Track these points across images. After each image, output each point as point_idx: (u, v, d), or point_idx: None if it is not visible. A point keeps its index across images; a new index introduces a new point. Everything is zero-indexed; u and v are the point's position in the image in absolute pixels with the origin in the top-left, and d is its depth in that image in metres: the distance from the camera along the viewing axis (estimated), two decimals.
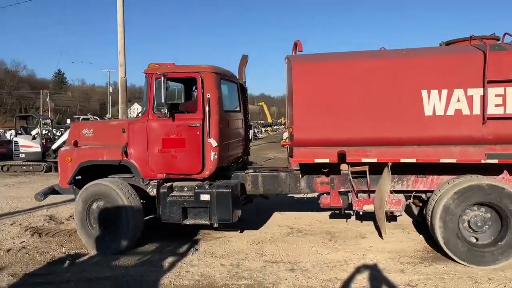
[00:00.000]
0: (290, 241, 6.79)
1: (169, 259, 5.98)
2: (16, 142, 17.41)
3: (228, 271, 5.52)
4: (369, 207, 6.29)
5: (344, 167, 6.23)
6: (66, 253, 6.34)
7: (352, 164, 6.10)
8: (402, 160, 5.83)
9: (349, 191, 6.45)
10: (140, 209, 6.49)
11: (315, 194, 7.02)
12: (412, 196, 6.45)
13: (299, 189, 6.68)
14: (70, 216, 8.67)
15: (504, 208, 5.52)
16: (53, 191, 7.21)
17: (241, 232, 7.35)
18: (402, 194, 6.30)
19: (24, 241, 7.00)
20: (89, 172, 6.86)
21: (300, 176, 6.60)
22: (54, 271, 5.58)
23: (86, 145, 6.99)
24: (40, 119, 18.72)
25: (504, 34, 6.02)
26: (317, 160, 6.08)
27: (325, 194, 6.56)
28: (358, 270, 5.46)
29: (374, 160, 5.91)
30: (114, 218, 6.40)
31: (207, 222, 6.32)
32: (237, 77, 7.73)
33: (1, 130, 36.58)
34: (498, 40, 6.08)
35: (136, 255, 6.20)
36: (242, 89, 7.81)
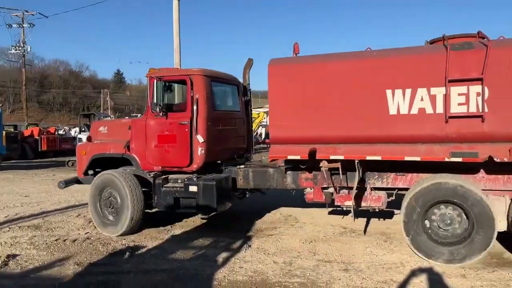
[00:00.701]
0: (344, 241, 6.69)
1: (223, 254, 6.10)
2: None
3: (281, 268, 5.54)
4: (349, 203, 6.36)
5: (324, 164, 6.32)
6: (126, 245, 6.64)
7: (328, 161, 6.24)
8: (368, 158, 5.96)
9: (330, 187, 6.62)
10: (140, 197, 7.17)
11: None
12: (394, 194, 6.45)
13: (285, 184, 6.97)
14: None
15: (468, 208, 5.49)
16: (76, 181, 8.16)
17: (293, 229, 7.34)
18: (384, 191, 6.37)
19: (88, 232, 7.42)
20: (107, 164, 7.75)
21: (286, 172, 6.90)
22: (115, 262, 5.86)
23: (100, 140, 7.92)
24: (102, 117, 19.73)
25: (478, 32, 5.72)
26: (290, 157, 6.39)
27: (309, 189, 6.82)
28: (415, 273, 5.28)
29: (342, 157, 6.10)
30: (119, 203, 7.17)
31: (194, 211, 7.11)
32: (242, 80, 8.25)
33: (66, 128, 38.99)
34: (484, 38, 5.77)
35: (192, 249, 6.38)
36: (244, 91, 8.28)
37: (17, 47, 39.34)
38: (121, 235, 7.10)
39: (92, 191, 7.46)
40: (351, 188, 6.34)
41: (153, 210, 7.93)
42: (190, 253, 6.23)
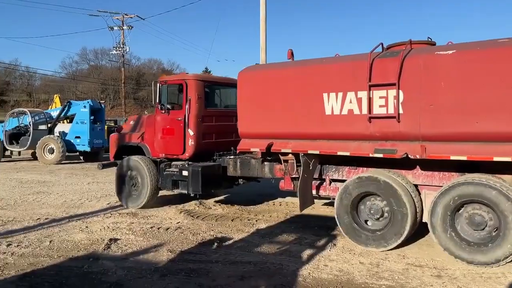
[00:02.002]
0: (436, 245, 6.31)
1: (308, 251, 6.09)
2: None
3: (368, 269, 5.39)
4: (313, 192, 7.20)
5: (290, 156, 7.16)
6: (214, 236, 6.92)
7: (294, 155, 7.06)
8: (309, 152, 6.78)
9: (298, 177, 7.13)
10: (156, 177, 8.78)
11: None
12: None
13: (264, 173, 7.89)
14: (217, 202, 9.45)
15: (392, 202, 6.05)
16: (113, 164, 9.65)
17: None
18: (342, 183, 6.77)
19: (179, 221, 7.85)
20: (131, 150, 9.33)
21: (264, 162, 7.82)
22: (204, 252, 6.13)
23: (127, 132, 9.65)
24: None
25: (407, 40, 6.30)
26: (252, 149, 7.51)
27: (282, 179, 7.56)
28: None
29: (289, 151, 7.02)
30: (140, 182, 8.84)
31: (186, 192, 8.46)
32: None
33: None
34: (434, 44, 6.44)
35: (276, 244, 6.46)
36: None
37: (117, 48, 42.77)
38: (142, 207, 8.81)
39: (117, 172, 9.24)
40: (315, 179, 7.17)
41: (236, 206, 8.15)
42: (274, 247, 6.32)
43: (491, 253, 5.37)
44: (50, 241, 6.53)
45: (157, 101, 8.76)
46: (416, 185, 6.29)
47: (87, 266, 5.47)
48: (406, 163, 6.23)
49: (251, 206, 9.17)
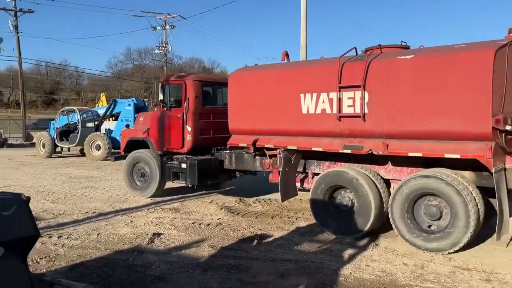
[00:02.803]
0: (485, 248, 6.06)
1: (349, 251, 6.00)
2: None
3: (412, 271, 5.24)
4: (297, 184, 7.76)
5: (277, 151, 7.63)
6: (254, 233, 6.96)
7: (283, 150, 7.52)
8: (289, 147, 7.35)
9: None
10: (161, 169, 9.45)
11: None
12: None
13: (255, 167, 8.45)
14: (256, 200, 9.49)
15: (357, 192, 6.55)
16: (125, 157, 10.40)
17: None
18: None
19: (220, 218, 7.96)
20: (139, 144, 10.17)
21: (255, 157, 8.34)
22: (245, 248, 6.18)
23: (136, 127, 10.60)
24: None
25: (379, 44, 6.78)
26: (240, 144, 8.18)
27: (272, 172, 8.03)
28: None
29: (272, 146, 7.62)
30: (148, 174, 9.65)
31: (185, 182, 9.16)
32: None
33: None
34: (408, 48, 6.89)
35: (316, 243, 6.41)
36: None
37: (160, 47, 43.82)
38: (150, 197, 9.64)
39: (126, 164, 10.08)
40: (299, 172, 7.75)
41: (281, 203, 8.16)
42: (314, 246, 6.28)
43: (443, 241, 5.79)
44: (98, 234, 6.80)
45: (159, 99, 9.65)
46: (388, 180, 6.75)
47: (132, 259, 5.65)
48: (379, 159, 6.69)
49: (291, 204, 9.15)
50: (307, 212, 8.41)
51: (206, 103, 9.58)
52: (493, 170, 5.50)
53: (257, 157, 8.32)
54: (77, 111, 20.73)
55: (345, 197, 6.84)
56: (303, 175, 7.76)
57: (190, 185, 9.14)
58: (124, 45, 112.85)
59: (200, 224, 7.47)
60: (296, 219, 7.88)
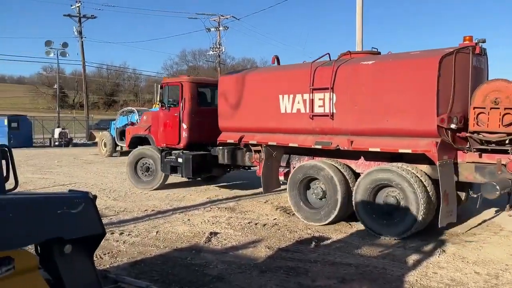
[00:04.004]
0: None
1: (413, 257, 5.68)
2: None
3: (485, 281, 4.85)
4: (281, 178, 8.54)
5: (252, 147, 8.65)
6: (312, 235, 6.79)
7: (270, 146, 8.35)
8: (269, 143, 8.11)
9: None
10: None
11: None
12: None
13: (245, 161, 9.22)
14: None
15: (328, 185, 7.26)
16: (127, 152, 11.51)
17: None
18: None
19: (276, 218, 7.85)
20: (142, 141, 11.25)
21: (245, 152, 9.08)
22: (302, 250, 6.03)
23: (139, 125, 11.73)
24: None
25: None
26: (228, 140, 8.92)
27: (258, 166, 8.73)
28: None
29: (255, 142, 8.39)
30: (154, 168, 10.62)
31: (181, 175, 10.06)
32: None
33: None
34: (379, 53, 7.56)
35: (378, 247, 6.13)
36: None
37: (214, 49, 44.54)
38: (155, 189, 10.56)
39: (131, 159, 11.00)
40: (282, 166, 8.53)
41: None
42: (376, 250, 6.00)
43: (398, 227, 6.46)
44: (157, 232, 6.93)
45: (159, 99, 10.59)
46: (359, 173, 7.25)
47: (190, 258, 5.68)
48: (351, 154, 7.31)
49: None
50: None
51: (202, 103, 10.38)
52: (437, 164, 6.10)
53: (246, 152, 9.07)
54: (136, 111, 21.46)
55: (318, 188, 7.56)
56: (287, 169, 8.46)
57: (188, 179, 10.39)
58: (179, 47, 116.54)
59: (256, 224, 7.41)
60: (356, 221, 7.60)
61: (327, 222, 7.19)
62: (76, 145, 28.29)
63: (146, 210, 8.57)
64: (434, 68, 6.06)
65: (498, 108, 5.93)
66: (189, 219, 7.78)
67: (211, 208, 8.68)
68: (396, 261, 5.56)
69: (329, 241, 6.47)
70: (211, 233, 6.79)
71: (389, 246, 6.21)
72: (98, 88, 77.64)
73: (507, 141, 5.98)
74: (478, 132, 6.15)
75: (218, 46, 43.89)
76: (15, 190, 3.09)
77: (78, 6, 34.89)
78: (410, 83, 6.34)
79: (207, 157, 9.93)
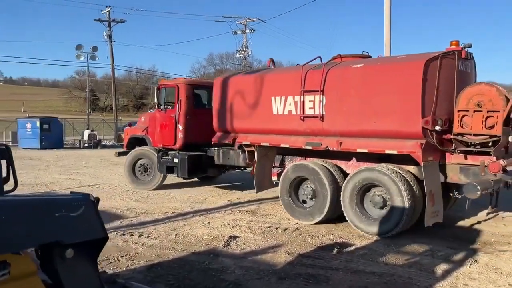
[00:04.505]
0: None
1: (442, 266, 5.36)
2: None
3: None
4: (274, 178, 8.57)
5: (245, 148, 8.82)
6: (334, 240, 6.54)
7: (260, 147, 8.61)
8: (262, 144, 8.28)
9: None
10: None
11: None
12: None
13: (239, 162, 9.29)
14: None
15: (317, 185, 7.44)
16: (127, 152, 11.48)
17: None
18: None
19: (297, 222, 7.62)
20: (140, 142, 11.51)
21: (240, 153, 9.12)
22: (323, 257, 5.80)
23: (137, 126, 11.90)
24: None
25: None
26: (222, 141, 9.13)
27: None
28: None
29: (248, 143, 8.55)
30: (150, 167, 10.85)
31: (176, 175, 10.22)
32: None
33: None
34: (370, 57, 7.76)
35: (404, 255, 5.83)
36: None
37: (240, 52, 44.60)
38: (153, 189, 10.70)
39: (129, 160, 11.12)
40: (277, 167, 8.66)
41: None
42: (402, 258, 5.71)
43: (384, 226, 6.59)
44: (176, 234, 6.84)
45: (155, 101, 10.73)
46: (348, 173, 7.34)
47: (207, 262, 5.54)
48: (342, 155, 7.47)
49: None
50: None
51: (197, 105, 10.59)
52: (422, 164, 6.27)
53: (240, 153, 9.16)
54: None
55: (308, 187, 7.71)
56: (281, 169, 8.54)
57: (184, 179, 10.62)
58: (206, 51, 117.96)
59: (277, 228, 7.22)
60: None
61: (316, 221, 7.40)
62: (104, 146, 28.77)
63: (167, 212, 8.51)
64: (419, 72, 6.24)
65: (481, 111, 6.11)
66: (209, 222, 7.66)
67: (232, 211, 8.54)
68: (423, 270, 5.25)
69: (352, 248, 6.21)
70: (230, 237, 6.65)
71: (416, 254, 5.90)
72: (128, 91, 79.11)
73: (490, 143, 6.12)
74: (462, 134, 6.30)
75: (244, 49, 43.95)
76: (14, 192, 3.02)
77: (108, 11, 35.62)
78: (396, 86, 6.53)
79: (202, 158, 10.14)
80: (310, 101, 7.52)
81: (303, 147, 7.71)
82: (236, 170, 11.14)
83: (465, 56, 6.71)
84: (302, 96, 7.58)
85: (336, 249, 6.07)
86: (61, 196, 2.63)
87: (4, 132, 30.32)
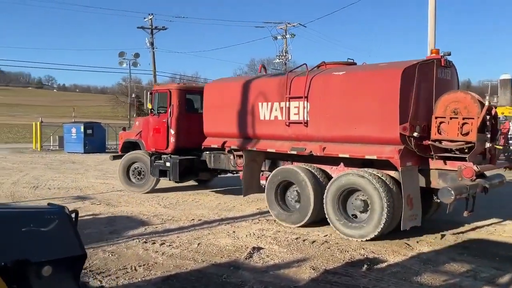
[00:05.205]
0: None
1: None
2: None
3: None
4: (263, 182, 8.48)
5: (233, 152, 9.03)
6: (365, 256, 6.07)
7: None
8: (249, 148, 8.51)
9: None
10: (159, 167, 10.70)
11: None
12: None
13: (230, 165, 9.50)
14: None
15: (301, 188, 7.63)
16: (122, 156, 11.70)
17: None
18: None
19: (327, 235, 7.18)
20: (134, 146, 11.71)
21: (230, 157, 9.36)
22: (351, 274, 5.35)
23: (131, 130, 12.22)
24: None
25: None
26: (212, 145, 9.30)
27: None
28: None
29: (236, 147, 8.75)
30: (144, 171, 11.10)
31: (168, 179, 10.52)
32: None
33: None
34: (354, 64, 8.11)
35: (441, 275, 5.29)
36: None
37: (280, 57, 44.33)
38: (147, 192, 10.98)
39: (123, 164, 11.38)
40: (267, 171, 8.71)
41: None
42: (439, 279, 5.17)
43: (363, 229, 6.68)
44: (198, 244, 6.60)
45: (148, 106, 11.00)
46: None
47: (226, 276, 5.25)
48: (327, 160, 7.62)
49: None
50: (431, 234, 7.19)
51: (189, 110, 10.79)
52: (400, 169, 6.45)
53: (231, 157, 9.39)
54: None
55: (294, 191, 7.83)
56: (269, 173, 8.48)
57: (175, 182, 10.74)
58: (247, 56, 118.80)
59: (304, 240, 6.82)
60: (417, 242, 6.75)
61: (301, 224, 7.53)
62: None
63: (193, 219, 8.32)
64: (397, 80, 6.40)
65: (457, 118, 6.27)
66: (234, 231, 7.38)
67: (259, 220, 8.22)
68: None
69: (384, 265, 5.72)
70: (254, 248, 6.33)
71: (456, 274, 5.33)
72: None
73: (466, 149, 6.26)
74: (439, 140, 6.44)
75: (284, 54, 43.62)
76: None
77: (150, 19, 36.45)
78: (376, 93, 6.71)
79: (194, 161, 10.39)
80: (295, 107, 7.72)
81: (288, 152, 7.87)
82: (228, 174, 11.21)
83: (444, 64, 6.92)
84: (287, 102, 7.80)
85: (366, 266, 5.61)
86: (31, 208, 2.43)
87: (51, 137, 31.61)
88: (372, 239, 6.64)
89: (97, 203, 9.89)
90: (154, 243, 6.63)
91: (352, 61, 8.12)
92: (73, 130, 27.24)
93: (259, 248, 6.37)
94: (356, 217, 6.99)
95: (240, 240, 6.86)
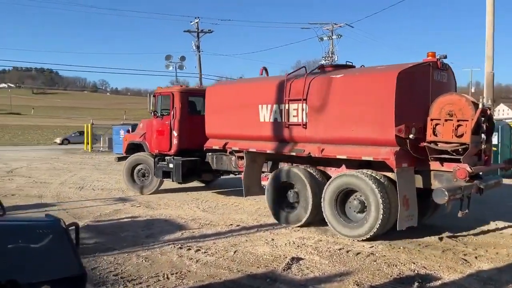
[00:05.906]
0: None
1: None
2: None
3: None
4: (264, 183, 8.72)
5: (235, 153, 9.37)
6: (416, 271, 5.49)
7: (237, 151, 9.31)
8: (250, 150, 8.69)
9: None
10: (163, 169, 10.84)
11: None
12: None
13: (232, 166, 9.77)
14: (423, 225, 7.80)
15: (301, 189, 7.75)
16: (124, 158, 12.07)
17: None
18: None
19: (373, 246, 6.64)
20: (138, 147, 11.98)
21: (232, 158, 9.62)
22: None
23: (136, 132, 12.33)
24: None
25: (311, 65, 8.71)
26: (214, 147, 9.52)
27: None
28: None
29: (237, 148, 9.06)
30: (148, 172, 11.34)
31: (171, 180, 10.64)
32: None
33: None
34: (353, 67, 8.13)
35: None
36: None
37: (326, 58, 43.40)
38: (151, 193, 11.18)
39: (127, 165, 11.60)
40: (265, 172, 8.90)
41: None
42: None
43: (360, 229, 6.77)
44: (235, 252, 6.29)
45: (151, 108, 11.18)
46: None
47: None
48: (326, 161, 7.74)
49: (469, 235, 7.23)
50: (492, 249, 6.51)
51: (192, 112, 10.96)
52: (395, 170, 6.51)
53: (232, 158, 9.54)
54: None
55: (293, 192, 7.91)
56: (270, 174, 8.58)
57: (178, 183, 10.91)
58: (292, 58, 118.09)
59: (348, 251, 6.33)
60: (476, 257, 6.07)
61: (299, 224, 7.69)
62: None
63: (231, 224, 8.03)
64: (393, 82, 6.48)
65: (452, 120, 6.35)
66: (273, 239, 7.01)
67: (300, 228, 7.78)
68: None
69: (437, 283, 5.13)
70: (293, 259, 5.93)
71: None
72: None
73: (460, 151, 6.35)
74: (435, 142, 6.51)
75: (331, 55, 42.66)
76: None
77: (196, 22, 36.78)
78: (372, 96, 6.79)
79: (197, 163, 10.54)
80: (294, 109, 7.82)
81: (288, 154, 8.03)
82: (230, 175, 11.31)
83: (440, 66, 7.00)
84: (286, 105, 7.90)
85: (416, 283, 5.05)
86: (21, 221, 2.17)
87: (102, 138, 32.67)
88: (368, 239, 6.75)
89: (137, 205, 9.86)
90: (189, 249, 6.40)
91: (351, 64, 8.23)
92: (121, 132, 27.88)
93: (298, 259, 5.96)
94: (353, 217, 7.07)
95: (279, 249, 6.48)
